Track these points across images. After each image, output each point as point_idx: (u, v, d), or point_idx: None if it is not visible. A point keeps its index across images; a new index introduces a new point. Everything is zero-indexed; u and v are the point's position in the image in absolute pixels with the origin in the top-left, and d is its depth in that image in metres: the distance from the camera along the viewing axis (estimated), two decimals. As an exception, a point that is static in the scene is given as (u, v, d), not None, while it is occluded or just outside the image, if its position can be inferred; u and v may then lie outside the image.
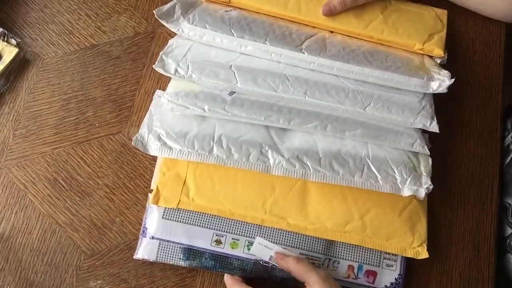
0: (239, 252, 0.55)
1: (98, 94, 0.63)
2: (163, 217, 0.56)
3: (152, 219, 0.56)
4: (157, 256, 0.55)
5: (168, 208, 0.56)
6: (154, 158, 0.61)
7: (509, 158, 0.61)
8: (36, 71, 0.63)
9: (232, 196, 0.55)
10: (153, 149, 0.54)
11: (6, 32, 0.62)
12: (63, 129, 0.61)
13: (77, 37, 0.65)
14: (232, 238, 0.55)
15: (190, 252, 0.55)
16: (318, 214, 0.55)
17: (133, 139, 0.54)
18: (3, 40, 0.61)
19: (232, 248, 0.55)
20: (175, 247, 0.55)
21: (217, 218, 0.56)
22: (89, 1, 0.67)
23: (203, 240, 0.55)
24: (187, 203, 0.55)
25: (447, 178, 0.64)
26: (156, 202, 0.55)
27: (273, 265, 0.55)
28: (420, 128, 0.58)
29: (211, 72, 0.55)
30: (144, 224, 0.56)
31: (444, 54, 0.62)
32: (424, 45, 0.62)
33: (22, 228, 0.57)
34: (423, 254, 0.56)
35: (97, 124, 0.62)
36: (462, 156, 0.65)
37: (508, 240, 0.63)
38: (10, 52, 0.61)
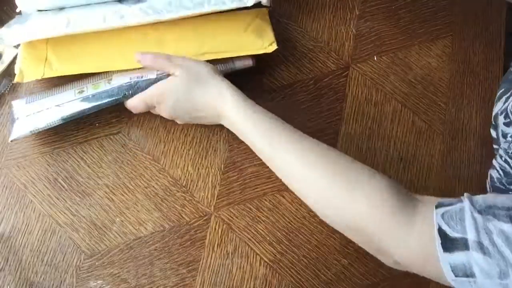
0: (102, 88, 0.58)
1: (98, 94, 0.63)
2: (26, 103, 0.59)
3: (18, 107, 0.58)
4: (32, 128, 0.56)
5: (30, 95, 0.59)
6: (154, 158, 0.61)
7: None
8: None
9: (93, 55, 0.59)
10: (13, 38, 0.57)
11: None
12: (63, 129, 0.61)
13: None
14: (92, 84, 0.59)
15: (60, 107, 0.57)
16: (176, 50, 0.58)
17: None
18: None
19: (95, 89, 0.58)
20: (44, 114, 0.57)
21: (75, 81, 0.60)
22: None
23: (67, 96, 0.58)
24: (51, 73, 0.58)
25: (447, 178, 0.64)
26: (21, 79, 0.57)
27: (135, 81, 0.57)
28: None
29: None
30: (12, 114, 0.58)
31: None
32: None
33: (22, 228, 0.57)
34: (273, 47, 0.61)
35: (97, 124, 0.62)
36: (461, 156, 0.65)
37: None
38: (10, 53, 0.61)
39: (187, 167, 0.61)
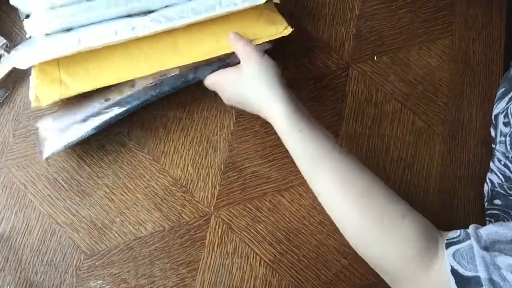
0: (127, 93, 0.58)
1: (98, 94, 0.63)
2: (53, 120, 0.58)
3: (45, 125, 0.58)
4: (65, 143, 0.56)
5: (55, 112, 0.58)
6: (154, 158, 0.61)
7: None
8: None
9: (107, 68, 0.57)
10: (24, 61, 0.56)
11: (8, 44, 0.61)
12: (63, 129, 0.61)
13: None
14: (116, 89, 0.58)
15: (90, 118, 0.57)
16: (191, 49, 0.58)
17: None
18: (4, 50, 0.61)
19: (120, 95, 0.58)
20: (75, 127, 0.57)
21: (99, 91, 0.58)
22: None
23: (95, 106, 0.58)
24: (68, 92, 0.56)
25: (447, 178, 0.64)
26: (38, 103, 0.56)
27: (159, 79, 0.58)
28: None
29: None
30: (39, 134, 0.57)
31: None
32: None
33: (22, 228, 0.57)
34: (288, 30, 0.60)
35: (97, 124, 0.62)
36: (462, 156, 0.65)
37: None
38: (5, 67, 0.60)
39: (187, 167, 0.61)
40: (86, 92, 0.57)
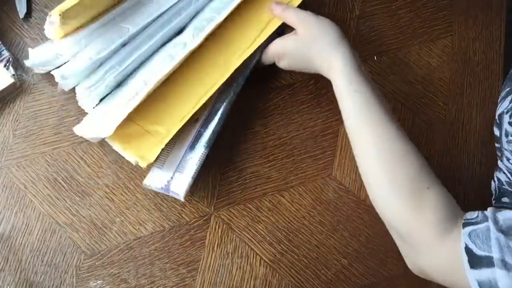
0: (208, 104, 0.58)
1: (98, 94, 0.63)
2: (163, 171, 0.57)
3: (161, 178, 0.56)
4: (191, 177, 0.56)
5: (158, 162, 0.57)
6: (154, 158, 0.61)
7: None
8: (36, 71, 0.63)
9: (184, 96, 0.57)
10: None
11: (11, 58, 0.60)
12: (63, 129, 0.61)
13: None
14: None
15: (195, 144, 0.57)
16: (243, 38, 0.59)
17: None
18: (4, 66, 0.60)
19: (204, 109, 0.58)
20: (191, 161, 0.57)
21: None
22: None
23: (191, 134, 0.58)
24: (166, 136, 0.55)
25: (447, 178, 0.64)
26: (148, 162, 0.54)
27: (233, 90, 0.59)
28: None
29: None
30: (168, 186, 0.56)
31: None
32: None
33: (22, 228, 0.57)
34: (297, 0, 0.61)
35: (97, 124, 0.62)
36: (461, 157, 0.65)
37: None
38: (4, 80, 0.59)
39: (187, 167, 0.61)
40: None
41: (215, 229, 0.59)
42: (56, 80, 0.56)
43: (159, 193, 0.60)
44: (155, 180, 0.56)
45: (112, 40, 0.56)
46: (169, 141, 0.56)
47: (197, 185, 0.60)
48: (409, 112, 0.66)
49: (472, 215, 0.47)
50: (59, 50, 0.57)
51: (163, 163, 0.57)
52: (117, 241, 0.58)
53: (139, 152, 0.55)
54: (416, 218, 0.48)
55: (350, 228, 0.61)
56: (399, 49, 0.69)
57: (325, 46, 0.55)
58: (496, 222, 0.44)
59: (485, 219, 0.45)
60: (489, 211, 0.46)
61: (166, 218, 0.59)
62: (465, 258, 0.43)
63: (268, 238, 0.60)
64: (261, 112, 0.64)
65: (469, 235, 0.44)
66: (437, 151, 0.65)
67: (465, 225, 0.46)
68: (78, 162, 0.60)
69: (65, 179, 0.59)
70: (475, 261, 0.43)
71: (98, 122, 0.55)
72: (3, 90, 0.59)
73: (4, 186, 0.58)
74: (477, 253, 0.43)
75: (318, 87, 0.66)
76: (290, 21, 0.58)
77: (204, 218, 0.60)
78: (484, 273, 0.42)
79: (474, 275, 0.43)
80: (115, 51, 0.57)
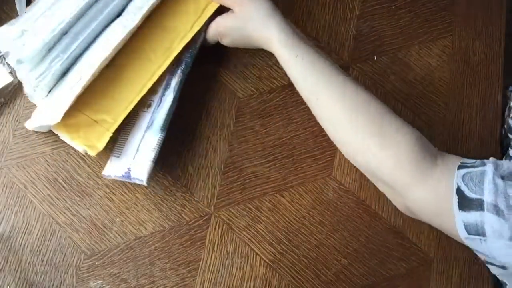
0: (160, 90, 0.60)
1: (98, 94, 0.63)
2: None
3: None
4: (151, 161, 0.56)
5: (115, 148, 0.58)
6: (154, 158, 0.61)
7: None
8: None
9: (130, 83, 0.58)
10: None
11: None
12: (63, 129, 0.61)
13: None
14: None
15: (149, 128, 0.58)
16: (181, 22, 0.60)
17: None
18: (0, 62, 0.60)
19: (155, 94, 0.59)
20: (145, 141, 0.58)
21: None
22: None
23: (145, 119, 0.59)
24: (113, 125, 0.57)
25: (447, 178, 0.64)
26: (97, 150, 0.56)
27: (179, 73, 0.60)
28: None
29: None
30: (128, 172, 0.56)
31: None
32: None
33: (22, 228, 0.57)
34: None
35: (97, 124, 0.62)
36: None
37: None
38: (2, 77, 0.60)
39: (187, 167, 0.61)
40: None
41: (215, 229, 0.59)
42: (12, 65, 0.56)
43: (159, 193, 0.60)
44: (114, 169, 0.57)
45: (52, 28, 0.56)
46: (125, 129, 0.58)
47: (197, 185, 0.61)
48: (409, 112, 0.66)
49: (469, 160, 0.47)
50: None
51: (120, 152, 0.58)
52: (117, 241, 0.58)
53: (87, 141, 0.56)
54: (388, 156, 0.48)
55: (350, 228, 0.61)
56: (399, 49, 0.69)
57: (260, 21, 0.56)
58: (498, 167, 0.44)
59: (482, 164, 0.45)
60: (490, 159, 0.45)
61: (166, 218, 0.59)
62: (455, 199, 0.43)
63: (268, 238, 0.60)
64: (261, 112, 0.64)
65: (463, 177, 0.44)
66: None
67: (460, 167, 0.45)
68: (78, 162, 0.60)
69: (65, 179, 0.59)
70: (465, 203, 0.42)
71: (47, 111, 0.56)
72: (3, 87, 0.60)
73: (4, 186, 0.58)
74: (468, 195, 0.43)
75: (318, 87, 0.66)
76: (226, 3, 0.59)
77: (204, 218, 0.60)
78: (472, 216, 0.42)
79: (462, 217, 0.42)
80: (59, 39, 0.57)
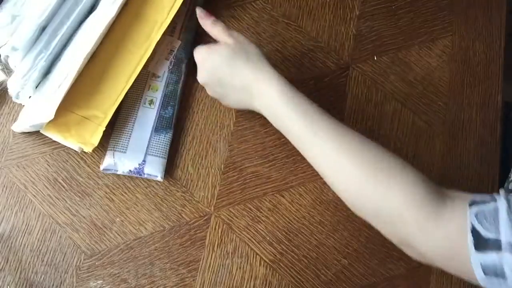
0: (160, 86, 0.61)
1: (98, 94, 0.63)
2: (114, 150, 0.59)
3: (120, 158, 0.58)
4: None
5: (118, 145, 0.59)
6: (154, 158, 0.61)
7: None
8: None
9: (116, 76, 0.59)
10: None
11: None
12: (63, 129, 0.61)
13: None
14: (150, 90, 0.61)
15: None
16: (157, 10, 0.61)
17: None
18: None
19: (155, 90, 0.61)
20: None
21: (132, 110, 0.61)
22: None
23: (151, 115, 0.60)
24: (104, 120, 0.57)
25: (447, 178, 0.64)
26: (92, 146, 0.56)
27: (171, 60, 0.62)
28: None
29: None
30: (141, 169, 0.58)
31: None
32: None
33: (22, 228, 0.57)
34: None
35: (97, 124, 0.62)
36: (462, 157, 0.65)
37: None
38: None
39: (187, 167, 0.61)
40: (127, 114, 0.59)
41: (215, 229, 0.59)
42: (7, 54, 0.56)
43: (159, 193, 0.60)
44: (120, 164, 0.58)
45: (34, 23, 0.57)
46: (125, 125, 0.59)
47: (197, 185, 0.61)
48: (409, 112, 0.66)
49: (478, 195, 0.44)
50: None
51: (126, 147, 0.58)
52: (117, 241, 0.58)
53: (81, 138, 0.56)
54: (398, 200, 0.45)
55: (350, 228, 0.61)
56: (399, 49, 0.69)
57: (253, 63, 0.53)
58: (510, 203, 0.41)
59: (493, 199, 0.42)
60: (501, 192, 0.43)
61: (166, 218, 0.59)
62: (470, 240, 0.41)
63: (268, 238, 0.60)
64: (261, 112, 0.64)
65: (476, 216, 0.42)
66: (437, 151, 0.65)
67: (471, 204, 0.43)
68: (78, 162, 0.60)
69: (65, 179, 0.59)
70: (481, 243, 0.40)
71: (37, 110, 0.56)
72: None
73: (4, 186, 0.58)
74: (484, 235, 0.40)
75: (318, 87, 0.66)
76: (222, 36, 0.56)
77: (204, 218, 0.60)
78: (489, 257, 0.40)
79: (479, 258, 0.40)
80: (38, 36, 0.57)
